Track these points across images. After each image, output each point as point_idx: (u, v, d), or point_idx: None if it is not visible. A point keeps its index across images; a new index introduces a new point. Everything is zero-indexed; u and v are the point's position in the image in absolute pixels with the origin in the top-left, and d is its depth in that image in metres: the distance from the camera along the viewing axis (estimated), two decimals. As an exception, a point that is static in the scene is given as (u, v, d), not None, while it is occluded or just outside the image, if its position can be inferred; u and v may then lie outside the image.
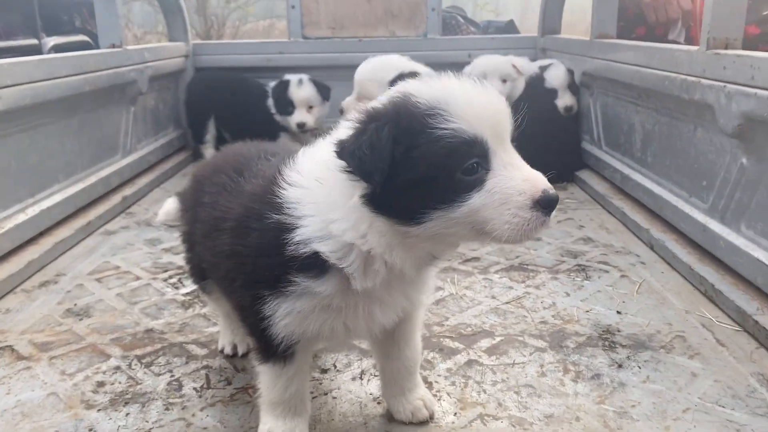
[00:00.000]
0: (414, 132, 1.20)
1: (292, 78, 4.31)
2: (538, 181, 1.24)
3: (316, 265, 1.32)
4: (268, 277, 1.37)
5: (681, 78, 2.55)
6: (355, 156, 1.22)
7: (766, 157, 2.12)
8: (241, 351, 2.00)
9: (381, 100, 1.30)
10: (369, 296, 1.38)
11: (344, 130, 1.31)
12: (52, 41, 5.05)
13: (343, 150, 1.25)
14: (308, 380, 1.61)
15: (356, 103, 3.56)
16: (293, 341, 1.44)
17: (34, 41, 4.86)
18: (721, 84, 2.24)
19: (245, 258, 1.41)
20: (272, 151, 1.68)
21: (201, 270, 1.84)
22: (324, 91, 4.35)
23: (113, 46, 3.80)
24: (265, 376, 1.53)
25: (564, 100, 3.99)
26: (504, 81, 4.04)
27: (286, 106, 4.29)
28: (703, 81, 2.37)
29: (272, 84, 4.39)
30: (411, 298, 1.47)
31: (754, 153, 2.18)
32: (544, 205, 1.22)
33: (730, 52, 2.24)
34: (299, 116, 4.28)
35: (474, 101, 1.22)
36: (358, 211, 1.28)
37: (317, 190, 1.34)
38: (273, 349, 1.46)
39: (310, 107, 4.32)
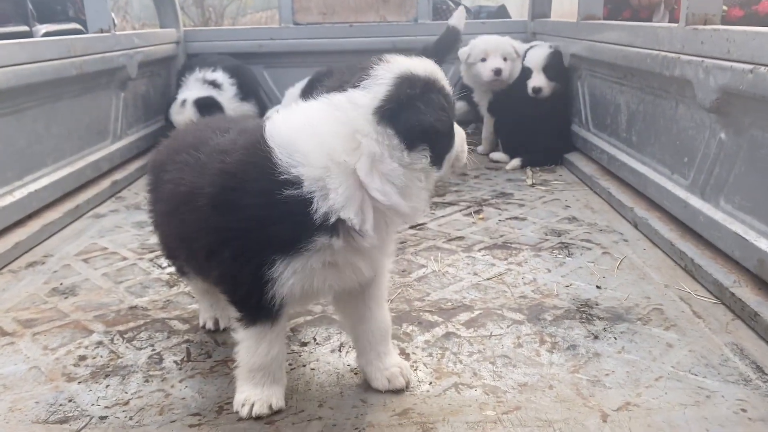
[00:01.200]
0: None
1: (177, 98, 4.08)
2: None
3: (336, 226, 1.40)
4: (280, 242, 1.42)
5: (662, 55, 2.56)
6: (436, 123, 1.39)
7: (743, 130, 2.13)
8: (222, 325, 2.02)
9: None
10: (362, 252, 1.47)
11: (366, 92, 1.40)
12: (43, 28, 5.07)
13: (418, 119, 1.38)
14: (285, 347, 1.64)
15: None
16: (287, 301, 1.50)
17: (25, 28, 4.87)
18: (699, 59, 2.25)
19: (236, 230, 1.45)
20: (222, 127, 1.69)
21: (171, 250, 1.87)
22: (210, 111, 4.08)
23: (101, 31, 3.81)
24: (248, 342, 1.57)
25: (533, 81, 3.93)
26: (505, 59, 4.01)
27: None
28: (683, 57, 2.38)
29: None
30: (384, 255, 1.58)
31: (732, 127, 2.19)
32: None
33: (708, 27, 2.25)
34: None
35: None
36: (391, 169, 1.39)
37: (329, 160, 1.38)
38: (264, 312, 1.52)
39: None
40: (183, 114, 4.01)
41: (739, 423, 1.52)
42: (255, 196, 1.42)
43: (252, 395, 1.60)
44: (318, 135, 1.40)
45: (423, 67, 1.46)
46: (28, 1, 5.00)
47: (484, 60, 3.99)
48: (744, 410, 1.57)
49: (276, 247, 1.43)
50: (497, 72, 3.92)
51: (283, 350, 1.61)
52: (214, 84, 4.06)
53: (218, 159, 1.52)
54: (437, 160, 1.45)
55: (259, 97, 4.49)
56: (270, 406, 1.59)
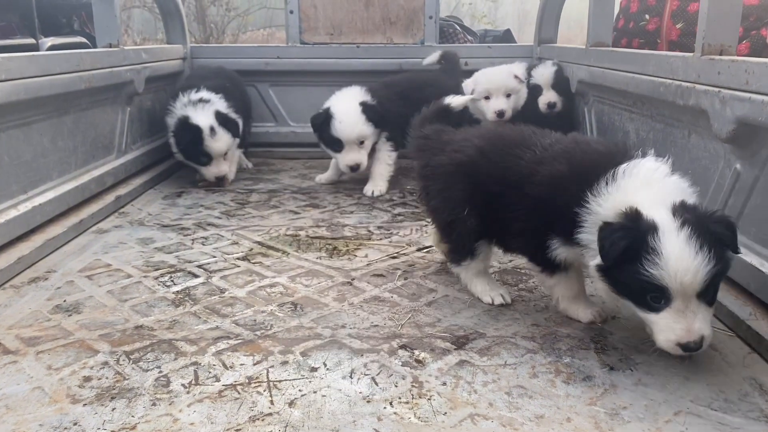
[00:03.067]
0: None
1: (199, 126, 3.87)
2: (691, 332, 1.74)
3: None
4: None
5: (676, 84, 2.55)
6: None
7: (760, 162, 2.12)
8: (508, 299, 2.35)
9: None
10: None
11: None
12: (49, 41, 5.06)
13: None
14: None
15: None
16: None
17: (32, 41, 4.86)
18: (716, 89, 2.24)
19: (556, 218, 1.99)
20: (531, 132, 2.25)
21: (477, 234, 2.29)
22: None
23: (110, 46, 3.80)
24: (561, 283, 2.18)
25: (546, 97, 4.00)
26: (508, 95, 4.02)
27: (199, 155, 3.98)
28: (698, 86, 2.37)
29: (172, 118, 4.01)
30: None
31: (748, 158, 2.18)
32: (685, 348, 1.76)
33: (725, 57, 2.25)
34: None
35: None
36: None
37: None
38: (554, 265, 2.13)
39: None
40: (221, 140, 3.92)
41: (764, 462, 1.49)
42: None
43: (593, 308, 2.20)
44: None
45: None
46: (35, 14, 5.00)
47: (487, 98, 4.01)
48: (767, 449, 1.54)
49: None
50: (500, 114, 3.95)
51: (583, 284, 2.23)
52: (203, 100, 3.99)
53: (557, 160, 2.03)
54: None
55: (246, 119, 4.44)
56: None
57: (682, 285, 1.69)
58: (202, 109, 3.93)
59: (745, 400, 1.74)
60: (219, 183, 4.09)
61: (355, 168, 3.89)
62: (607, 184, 1.86)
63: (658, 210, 1.76)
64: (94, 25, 4.12)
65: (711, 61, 2.30)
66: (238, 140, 4.11)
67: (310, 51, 4.97)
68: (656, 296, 1.74)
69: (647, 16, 4.47)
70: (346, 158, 3.87)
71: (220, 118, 3.93)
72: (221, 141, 3.92)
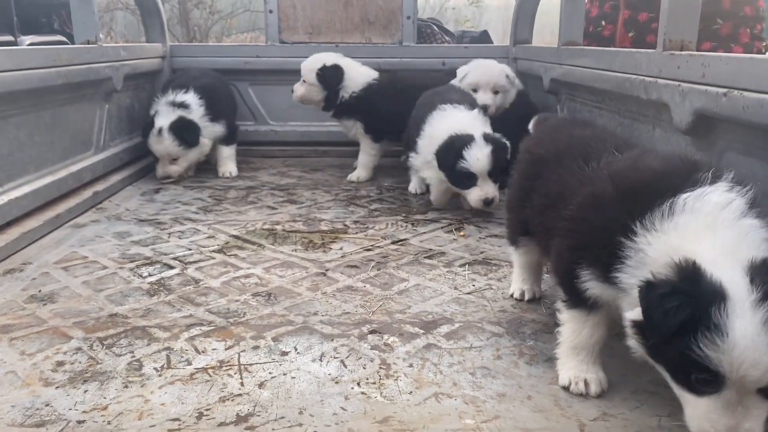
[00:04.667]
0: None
1: (155, 126, 4.05)
2: None
3: None
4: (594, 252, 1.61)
5: (640, 79, 2.63)
6: None
7: (716, 151, 2.20)
8: (528, 297, 2.33)
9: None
10: None
11: None
12: (28, 39, 5.06)
13: None
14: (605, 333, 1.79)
15: None
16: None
17: (11, 38, 4.86)
18: (676, 83, 2.33)
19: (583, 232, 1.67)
20: (618, 144, 1.87)
21: (523, 228, 2.16)
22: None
23: (88, 42, 3.82)
24: (571, 323, 1.77)
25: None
26: (496, 92, 4.07)
27: None
28: (660, 81, 2.46)
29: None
30: None
31: (706, 149, 2.26)
32: None
33: (684, 52, 2.33)
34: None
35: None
36: None
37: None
38: (579, 300, 1.70)
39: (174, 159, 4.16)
40: (162, 143, 4.06)
41: None
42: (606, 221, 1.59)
43: (581, 374, 1.74)
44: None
45: None
46: (14, 12, 5.00)
47: (475, 90, 4.05)
48: (717, 421, 1.60)
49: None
50: (483, 109, 3.98)
51: (604, 335, 1.77)
52: (183, 105, 4.07)
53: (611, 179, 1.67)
54: None
55: (231, 119, 4.50)
56: (600, 385, 1.74)
57: (745, 379, 1.27)
58: (172, 112, 4.06)
59: (700, 379, 1.81)
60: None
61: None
62: (662, 216, 1.46)
63: (726, 268, 1.31)
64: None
65: (671, 56, 2.38)
66: (195, 148, 4.17)
67: (289, 50, 5.01)
68: (705, 380, 1.33)
69: (603, 23, 4.62)
70: None
71: (178, 124, 4.03)
72: (161, 144, 4.06)
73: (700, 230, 1.40)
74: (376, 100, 4.18)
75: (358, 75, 4.25)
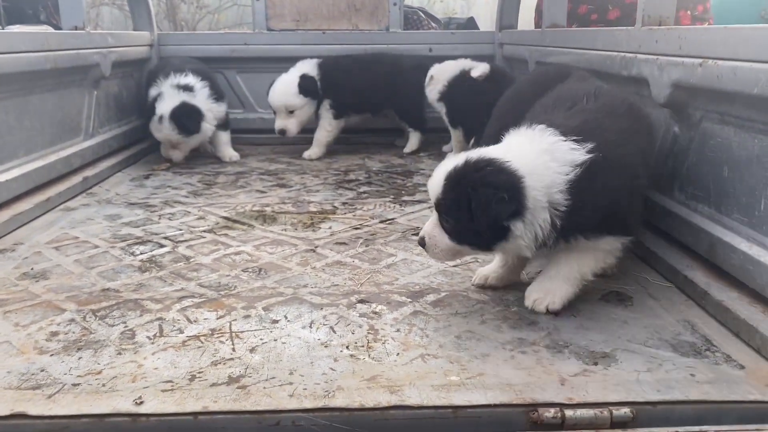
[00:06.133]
0: None
1: (156, 112, 4.08)
2: None
3: None
4: None
5: (621, 56, 2.69)
6: None
7: (694, 123, 2.27)
8: None
9: None
10: None
11: None
12: (15, 29, 5.05)
13: None
14: None
15: None
16: None
17: (-3, 27, 4.86)
18: (654, 57, 2.38)
19: None
20: None
21: None
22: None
23: (76, 28, 3.83)
24: None
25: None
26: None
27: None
28: (639, 56, 2.51)
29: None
30: None
31: (684, 121, 2.32)
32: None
33: (662, 27, 2.39)
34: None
35: None
36: None
37: None
38: None
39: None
40: (162, 132, 4.10)
41: (688, 385, 1.61)
42: None
43: None
44: None
45: None
46: (0, 2, 5.00)
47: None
48: (693, 375, 1.66)
49: None
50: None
51: None
52: (187, 88, 4.09)
53: None
54: None
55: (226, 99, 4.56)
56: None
57: None
58: (176, 95, 4.08)
59: (678, 338, 1.87)
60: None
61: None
62: None
63: None
64: (59, 14, 4.15)
65: (650, 30, 2.44)
66: (197, 134, 4.19)
67: (276, 37, 5.04)
68: None
69: None
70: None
71: (179, 111, 4.05)
72: (160, 132, 4.12)
73: None
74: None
75: None
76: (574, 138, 1.89)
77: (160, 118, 4.03)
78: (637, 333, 1.91)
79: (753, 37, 1.86)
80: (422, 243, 2.00)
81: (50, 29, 5.68)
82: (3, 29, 4.89)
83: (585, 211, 1.88)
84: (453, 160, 1.94)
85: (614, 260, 2.11)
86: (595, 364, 1.73)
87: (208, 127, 4.20)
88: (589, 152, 1.86)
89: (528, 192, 1.82)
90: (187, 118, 4.06)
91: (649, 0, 2.47)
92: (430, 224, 1.99)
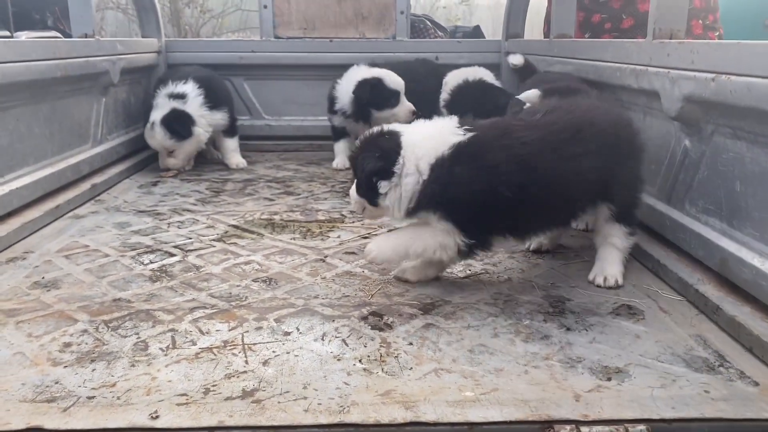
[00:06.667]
0: None
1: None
2: None
3: None
4: None
5: (631, 68, 2.70)
6: None
7: (706, 137, 2.27)
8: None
9: None
10: None
11: None
12: (23, 35, 5.07)
13: None
14: None
15: None
16: None
17: (7, 33, 4.88)
18: (666, 70, 2.39)
19: None
20: None
21: None
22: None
23: (86, 36, 3.85)
24: None
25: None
26: (171, 152, 4.26)
27: None
28: (650, 69, 2.52)
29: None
30: None
31: (695, 134, 2.33)
32: None
33: (673, 40, 2.40)
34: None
35: None
36: None
37: None
38: None
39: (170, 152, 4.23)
40: (155, 138, 4.14)
41: (703, 402, 1.61)
42: None
43: None
44: None
45: None
46: (9, 7, 5.02)
47: None
48: (707, 392, 1.66)
49: None
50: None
51: None
52: (180, 96, 4.11)
53: None
54: None
55: (231, 110, 4.54)
56: None
57: None
58: (167, 104, 4.11)
59: (690, 354, 1.87)
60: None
61: None
62: None
63: None
64: (68, 21, 4.17)
65: (661, 44, 2.44)
66: (190, 139, 4.19)
67: (283, 45, 5.05)
68: None
69: None
70: None
71: (169, 117, 4.08)
72: (153, 139, 4.15)
73: None
74: None
75: None
76: (468, 129, 2.19)
77: (152, 125, 4.08)
78: (649, 348, 1.91)
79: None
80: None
81: (58, 35, 5.70)
82: (12, 35, 4.91)
83: (436, 185, 2.13)
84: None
85: (448, 253, 2.24)
86: (609, 379, 1.73)
87: (200, 132, 4.20)
88: (463, 140, 2.15)
89: (399, 159, 2.16)
90: (177, 122, 4.08)
91: (660, 13, 2.47)
92: (352, 188, 2.35)
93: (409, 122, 3.51)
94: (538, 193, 2.13)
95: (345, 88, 4.15)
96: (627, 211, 2.34)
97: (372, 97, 4.01)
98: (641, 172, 2.38)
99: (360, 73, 4.13)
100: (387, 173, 2.17)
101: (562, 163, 2.14)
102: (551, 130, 2.17)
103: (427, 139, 2.19)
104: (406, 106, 4.03)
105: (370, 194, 2.24)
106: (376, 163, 2.17)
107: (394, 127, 2.31)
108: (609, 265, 2.35)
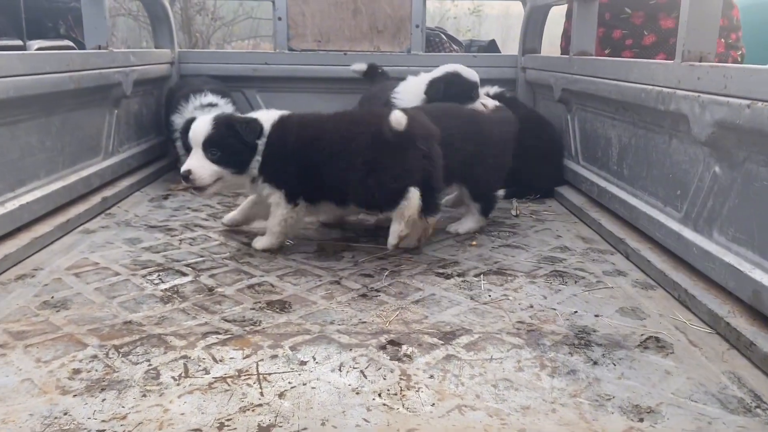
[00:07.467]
0: None
1: None
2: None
3: None
4: None
5: (657, 90, 2.63)
6: None
7: (737, 164, 2.19)
8: None
9: None
10: None
11: None
12: (36, 44, 5.05)
13: None
14: None
15: None
16: None
17: (20, 42, 4.85)
18: (696, 94, 2.32)
19: None
20: None
21: None
22: None
23: (99, 48, 3.81)
24: None
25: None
26: None
27: None
28: (678, 92, 2.45)
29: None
30: None
31: (726, 160, 2.25)
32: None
33: (704, 64, 2.32)
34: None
35: None
36: None
37: None
38: None
39: None
40: None
41: (742, 449, 1.54)
42: None
43: None
44: None
45: None
46: (23, 15, 4.99)
47: None
48: (746, 437, 1.59)
49: None
50: None
51: None
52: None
53: None
54: None
55: None
56: None
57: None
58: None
59: (724, 393, 1.79)
60: None
61: None
62: None
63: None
64: (80, 30, 4.13)
65: (691, 67, 2.37)
66: None
67: (297, 58, 5.01)
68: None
69: None
70: None
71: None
72: None
73: None
74: None
75: None
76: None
77: None
78: (681, 385, 1.83)
79: (807, 81, 1.80)
80: (188, 176, 2.75)
81: (70, 44, 5.68)
82: (25, 44, 4.88)
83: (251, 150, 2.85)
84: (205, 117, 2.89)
85: (281, 215, 2.89)
86: (641, 420, 1.65)
87: None
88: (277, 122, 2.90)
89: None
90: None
91: (689, 36, 2.40)
92: (195, 161, 2.77)
93: None
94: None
95: (409, 96, 3.66)
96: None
97: (450, 93, 3.53)
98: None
99: (423, 76, 3.71)
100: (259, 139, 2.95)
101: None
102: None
103: (269, 119, 2.98)
104: (486, 101, 3.63)
105: (243, 161, 2.93)
106: (253, 132, 2.90)
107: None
108: None
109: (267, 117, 2.92)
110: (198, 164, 2.76)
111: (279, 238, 2.95)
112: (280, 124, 2.89)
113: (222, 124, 2.81)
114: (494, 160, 3.22)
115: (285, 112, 2.97)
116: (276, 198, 2.87)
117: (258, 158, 2.84)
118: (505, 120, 3.39)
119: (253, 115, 2.95)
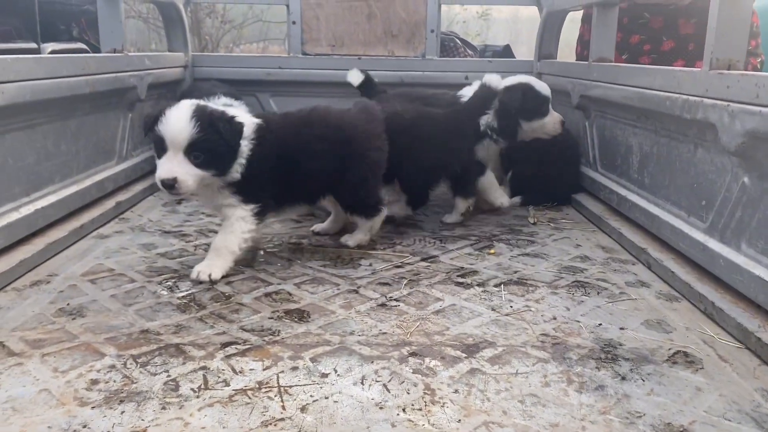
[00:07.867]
0: None
1: None
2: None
3: None
4: None
5: (683, 98, 2.58)
6: None
7: (767, 175, 2.14)
8: None
9: None
10: None
11: None
12: (50, 47, 5.05)
13: None
14: None
15: None
16: None
17: (34, 45, 4.85)
18: (725, 103, 2.27)
19: None
20: None
21: None
22: None
23: (114, 51, 3.79)
24: None
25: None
26: None
27: None
28: (706, 100, 2.40)
29: None
30: None
31: (756, 171, 2.20)
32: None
33: (734, 72, 2.28)
34: None
35: None
36: None
37: None
38: None
39: None
40: None
41: (782, 472, 1.49)
42: None
43: None
44: None
45: None
46: (37, 18, 4.99)
47: None
48: (784, 459, 1.54)
49: None
50: None
51: None
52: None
53: None
54: None
55: None
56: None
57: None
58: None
59: (758, 411, 1.74)
60: None
61: None
62: None
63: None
64: (94, 32, 4.13)
65: (720, 75, 2.32)
66: None
67: (311, 62, 4.98)
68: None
69: None
70: None
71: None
72: None
73: None
74: None
75: None
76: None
77: None
78: (713, 403, 1.78)
79: None
80: (172, 185, 2.45)
81: (84, 46, 5.68)
82: (39, 47, 4.88)
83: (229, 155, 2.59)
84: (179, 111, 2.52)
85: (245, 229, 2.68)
86: (675, 440, 1.61)
87: None
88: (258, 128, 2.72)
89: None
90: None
91: (717, 44, 2.35)
92: (177, 166, 2.45)
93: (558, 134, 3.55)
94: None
95: None
96: None
97: (524, 106, 3.49)
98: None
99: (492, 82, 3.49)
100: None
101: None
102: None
103: (251, 123, 2.80)
104: (555, 116, 3.58)
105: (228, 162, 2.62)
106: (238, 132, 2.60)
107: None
108: None
109: (248, 118, 2.77)
110: (182, 170, 2.44)
111: (232, 257, 2.68)
112: (262, 126, 2.76)
113: (205, 122, 2.47)
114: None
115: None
116: (242, 212, 2.65)
117: (241, 161, 2.61)
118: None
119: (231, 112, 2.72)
